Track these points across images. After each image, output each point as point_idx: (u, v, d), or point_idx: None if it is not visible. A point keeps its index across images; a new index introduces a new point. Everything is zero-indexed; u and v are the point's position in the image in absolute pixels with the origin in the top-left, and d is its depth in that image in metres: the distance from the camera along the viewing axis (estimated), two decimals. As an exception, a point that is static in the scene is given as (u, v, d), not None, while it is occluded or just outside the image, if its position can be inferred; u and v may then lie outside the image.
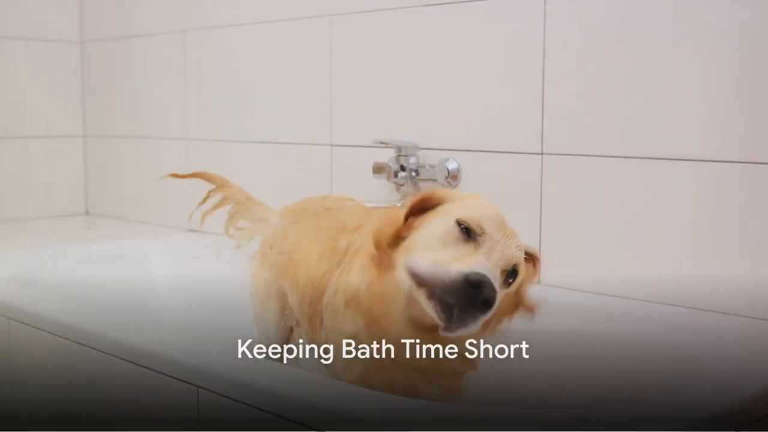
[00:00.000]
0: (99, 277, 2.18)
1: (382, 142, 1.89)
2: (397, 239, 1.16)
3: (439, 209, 1.17)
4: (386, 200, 1.93)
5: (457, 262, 1.06)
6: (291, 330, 1.65)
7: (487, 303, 1.04)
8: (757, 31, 1.47)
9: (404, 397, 1.12)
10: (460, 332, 1.06)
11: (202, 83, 2.50)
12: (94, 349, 1.44)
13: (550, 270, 1.75)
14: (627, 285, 1.65)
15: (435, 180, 1.86)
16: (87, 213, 2.95)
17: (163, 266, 2.31)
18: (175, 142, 2.59)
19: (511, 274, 1.14)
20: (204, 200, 1.89)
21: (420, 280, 1.07)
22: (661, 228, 1.60)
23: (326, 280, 1.33)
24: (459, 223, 1.12)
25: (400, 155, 1.89)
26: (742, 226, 1.50)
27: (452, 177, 1.85)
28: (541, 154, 1.74)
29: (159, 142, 2.65)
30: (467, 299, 1.04)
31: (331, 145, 2.15)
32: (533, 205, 1.75)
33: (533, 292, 1.24)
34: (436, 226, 1.13)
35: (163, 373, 1.30)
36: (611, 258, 1.67)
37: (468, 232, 1.11)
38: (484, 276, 1.04)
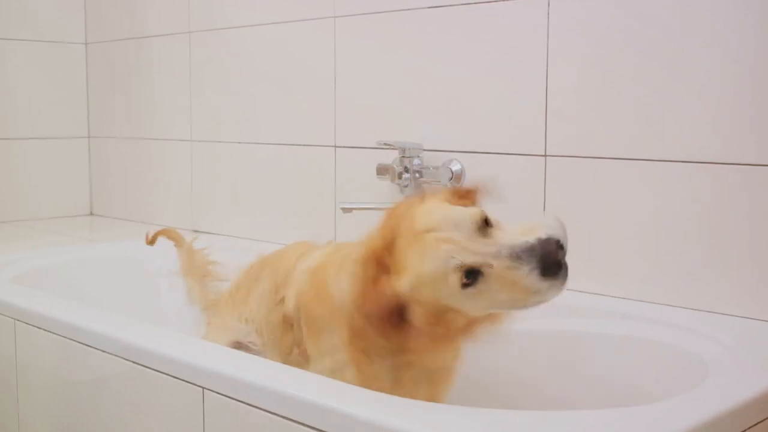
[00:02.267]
0: (103, 277, 2.19)
1: (386, 144, 1.90)
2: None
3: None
4: (385, 203, 1.94)
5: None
6: None
7: (562, 248, 1.10)
8: (758, 34, 1.47)
9: (405, 398, 1.13)
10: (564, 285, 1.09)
11: (206, 85, 2.50)
12: (99, 350, 1.45)
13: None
14: (627, 285, 1.65)
15: (439, 181, 1.87)
16: (91, 214, 2.96)
17: (166, 267, 2.32)
18: (179, 143, 2.60)
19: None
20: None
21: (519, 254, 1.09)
22: (662, 229, 1.60)
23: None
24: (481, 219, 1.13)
25: (403, 157, 1.90)
26: (743, 228, 1.51)
27: (456, 178, 1.85)
28: (545, 156, 1.75)
29: (163, 143, 2.66)
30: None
31: (335, 147, 2.15)
32: (536, 206, 1.76)
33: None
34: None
35: (168, 374, 1.31)
36: (612, 259, 1.67)
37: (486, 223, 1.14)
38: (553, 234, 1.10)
